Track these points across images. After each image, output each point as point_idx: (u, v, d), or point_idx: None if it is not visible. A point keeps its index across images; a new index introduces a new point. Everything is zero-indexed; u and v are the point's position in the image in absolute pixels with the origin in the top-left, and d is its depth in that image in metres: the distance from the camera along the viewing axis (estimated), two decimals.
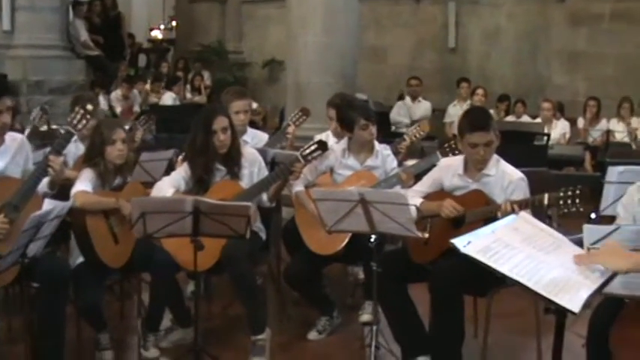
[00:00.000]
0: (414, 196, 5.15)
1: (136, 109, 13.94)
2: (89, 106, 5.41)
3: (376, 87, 15.10)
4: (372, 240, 4.95)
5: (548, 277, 2.81)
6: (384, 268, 5.04)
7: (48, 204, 4.97)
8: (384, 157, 6.08)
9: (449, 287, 4.80)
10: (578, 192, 4.57)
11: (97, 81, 14.47)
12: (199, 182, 5.54)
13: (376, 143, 6.08)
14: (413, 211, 4.73)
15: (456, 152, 5.69)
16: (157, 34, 21.55)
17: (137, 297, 5.91)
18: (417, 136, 6.81)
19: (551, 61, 15.11)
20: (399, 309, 5.23)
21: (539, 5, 15.15)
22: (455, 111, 13.00)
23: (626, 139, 12.04)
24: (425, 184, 5.35)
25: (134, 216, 4.72)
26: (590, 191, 4.65)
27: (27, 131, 7.82)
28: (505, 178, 5.06)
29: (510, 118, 12.89)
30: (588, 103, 12.56)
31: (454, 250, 3.03)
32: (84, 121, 5.33)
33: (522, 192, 4.99)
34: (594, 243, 3.50)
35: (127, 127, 6.98)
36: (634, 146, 11.67)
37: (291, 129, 7.22)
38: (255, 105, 13.21)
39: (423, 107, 13.39)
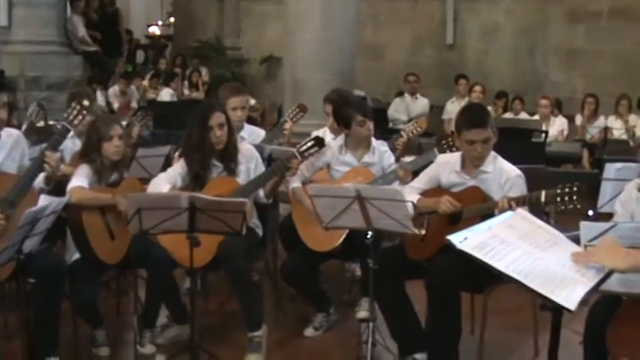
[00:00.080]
0: (411, 193, 5.14)
1: (134, 105, 13.94)
2: (85, 102, 5.39)
3: (374, 83, 15.08)
4: (368, 237, 4.95)
5: (545, 274, 2.80)
6: (381, 265, 5.03)
7: (44, 200, 4.95)
8: (380, 154, 6.07)
9: (446, 284, 4.80)
10: (575, 189, 4.56)
11: (95, 77, 14.48)
12: (196, 178, 5.53)
13: (373, 139, 6.07)
14: (409, 207, 4.73)
15: (454, 149, 5.68)
16: (154, 30, 21.52)
17: (133, 293, 5.89)
18: (415, 132, 6.81)
19: (549, 58, 15.11)
20: (396, 306, 5.23)
21: (538, 2, 15.14)
22: (453, 107, 12.99)
23: (624, 137, 12.04)
24: (422, 181, 5.34)
25: (130, 212, 4.70)
26: (587, 188, 4.64)
27: (24, 127, 7.80)
28: (502, 175, 5.06)
29: (508, 115, 12.87)
30: (586, 100, 12.57)
31: (451, 247, 3.02)
32: (80, 117, 5.33)
33: (519, 189, 4.99)
34: (591, 240, 3.49)
35: (124, 123, 6.97)
36: (632, 143, 11.67)
37: (288, 125, 7.21)
38: (252, 101, 13.20)
39: (420, 104, 13.41)
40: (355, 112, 5.89)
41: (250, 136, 6.75)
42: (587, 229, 3.67)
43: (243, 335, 5.47)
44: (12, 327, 5.62)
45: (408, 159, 6.46)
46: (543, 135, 10.55)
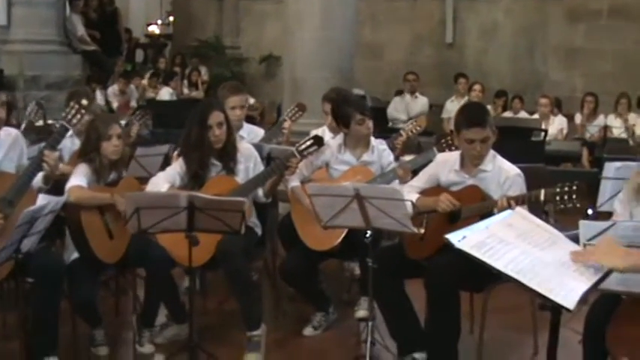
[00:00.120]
0: (410, 192, 5.14)
1: (133, 104, 13.93)
2: (84, 101, 5.39)
3: (373, 82, 15.07)
4: (367, 236, 4.94)
5: (544, 273, 2.79)
6: (380, 264, 5.02)
7: (42, 199, 4.94)
8: (379, 152, 6.06)
9: (445, 283, 4.79)
10: (574, 188, 4.56)
11: (94, 76, 14.47)
12: (194, 177, 5.53)
13: (372, 138, 6.06)
14: (408, 206, 4.73)
15: (453, 148, 5.68)
16: (154, 29, 21.54)
17: (132, 293, 5.89)
18: (414, 131, 6.80)
19: (549, 57, 15.10)
20: (395, 305, 5.22)
21: (537, 1, 15.13)
22: (452, 106, 12.96)
23: (624, 135, 12.03)
24: (421, 180, 5.33)
25: (128, 211, 4.69)
26: (586, 187, 4.63)
27: (22, 126, 7.79)
28: (502, 173, 5.05)
29: (508, 114, 12.86)
30: (586, 99, 12.56)
31: (450, 246, 3.02)
32: (79, 116, 5.33)
33: (519, 188, 4.98)
34: (590, 239, 3.49)
35: (123, 123, 6.96)
36: (631, 142, 11.66)
37: (287, 124, 7.21)
38: (252, 100, 13.20)
39: (420, 103, 13.41)
40: (354, 110, 5.88)
41: (249, 135, 6.75)
42: (587, 228, 3.67)
43: (242, 334, 5.46)
44: (10, 326, 5.62)
45: (407, 158, 6.45)
46: (543, 134, 10.55)
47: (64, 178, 5.43)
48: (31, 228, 4.56)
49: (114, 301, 6.33)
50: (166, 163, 6.30)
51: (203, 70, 16.42)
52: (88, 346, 5.45)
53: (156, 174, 5.73)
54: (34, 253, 4.83)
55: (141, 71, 16.25)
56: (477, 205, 4.89)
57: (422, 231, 4.97)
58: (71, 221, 5.24)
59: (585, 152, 11.66)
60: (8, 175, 5.09)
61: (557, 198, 4.58)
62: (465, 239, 2.86)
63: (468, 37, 15.76)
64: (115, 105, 13.94)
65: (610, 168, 6.20)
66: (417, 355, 5.18)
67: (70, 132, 5.92)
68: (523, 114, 12.68)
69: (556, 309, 2.89)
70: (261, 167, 5.75)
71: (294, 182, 5.92)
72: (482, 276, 4.13)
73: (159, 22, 21.97)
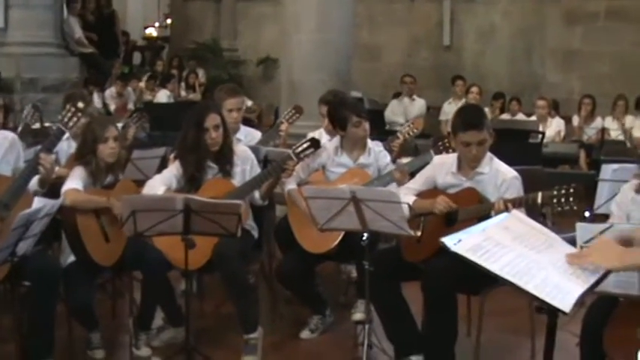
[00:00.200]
0: (407, 194, 5.13)
1: (130, 106, 13.91)
2: (80, 104, 5.38)
3: (371, 85, 15.09)
4: (364, 238, 4.93)
5: (540, 276, 2.78)
6: (377, 267, 5.02)
7: (38, 202, 4.93)
8: (376, 154, 6.04)
9: (442, 286, 4.79)
10: (572, 190, 4.56)
11: (91, 78, 14.44)
12: (191, 180, 5.52)
13: (368, 141, 6.05)
14: (405, 209, 4.71)
15: (450, 150, 5.66)
16: (151, 31, 21.54)
17: (129, 296, 5.87)
18: (411, 133, 6.78)
19: (546, 59, 15.11)
20: (392, 307, 5.21)
21: (534, 3, 15.14)
22: (450, 109, 12.96)
23: (621, 137, 12.04)
24: (418, 182, 5.32)
25: (124, 214, 4.69)
26: (584, 189, 4.63)
27: (19, 129, 7.78)
28: (499, 176, 5.04)
29: (505, 116, 12.88)
30: (583, 101, 12.55)
31: (446, 249, 3.01)
32: (75, 119, 5.32)
33: (516, 190, 4.97)
34: (587, 241, 3.48)
35: (120, 125, 6.96)
36: (629, 144, 11.66)
37: (284, 127, 7.21)
38: (249, 103, 13.22)
39: (418, 105, 13.42)
40: (351, 113, 5.87)
41: (246, 137, 6.74)
42: (583, 230, 3.67)
43: (239, 338, 5.45)
44: (6, 330, 5.59)
45: (404, 160, 6.43)
46: (540, 136, 10.55)
47: (61, 181, 5.42)
48: (26, 231, 4.56)
49: (110, 304, 6.32)
50: (163, 165, 6.28)
51: (200, 72, 16.42)
52: (84, 350, 5.44)
53: (152, 177, 5.72)
54: (30, 256, 4.84)
55: (138, 74, 16.24)
56: (474, 208, 4.89)
57: (419, 233, 4.97)
58: (67, 224, 5.23)
59: (583, 154, 11.66)
60: (4, 178, 5.08)
61: (555, 200, 4.58)
62: (461, 242, 2.85)
63: (465, 39, 15.76)
64: (112, 107, 13.93)
65: (607, 170, 6.20)
66: (414, 357, 5.17)
67: (67, 135, 5.90)
68: (521, 116, 12.69)
69: (552, 312, 2.87)
70: (257, 170, 5.75)
71: (290, 185, 5.91)
72: (479, 279, 4.10)
73: (156, 24, 21.97)
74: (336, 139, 6.09)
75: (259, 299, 5.82)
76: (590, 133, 12.24)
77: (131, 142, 7.33)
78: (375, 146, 6.08)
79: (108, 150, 5.42)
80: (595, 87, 13.61)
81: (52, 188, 5.33)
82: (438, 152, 5.81)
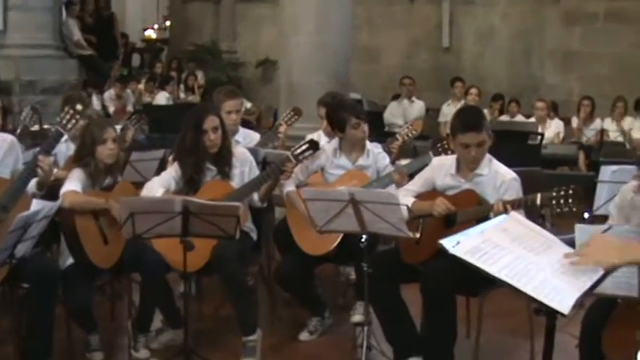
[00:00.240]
0: (406, 196, 5.13)
1: (129, 108, 13.89)
2: (79, 106, 5.37)
3: (370, 87, 15.07)
4: (362, 240, 4.93)
5: (538, 278, 2.78)
6: (376, 269, 5.01)
7: (36, 205, 4.94)
8: (375, 156, 6.04)
9: (441, 288, 4.78)
10: (571, 192, 4.55)
11: (90, 81, 14.43)
12: (190, 182, 5.51)
13: (367, 142, 6.05)
14: (404, 210, 4.71)
15: (449, 152, 5.65)
16: (150, 33, 21.56)
17: (127, 298, 5.86)
18: (409, 135, 6.78)
19: (545, 61, 15.09)
20: (391, 309, 5.21)
21: (533, 5, 15.12)
22: (449, 110, 12.94)
23: (620, 139, 12.03)
24: (417, 184, 5.31)
25: (123, 216, 4.69)
26: (583, 191, 4.62)
27: (18, 131, 7.77)
28: (498, 177, 5.04)
29: (504, 118, 12.87)
30: (582, 103, 12.53)
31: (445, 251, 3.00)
32: (73, 121, 5.32)
33: (515, 192, 4.97)
34: None
35: (119, 127, 6.95)
36: (628, 146, 11.66)
37: (282, 128, 7.20)
38: (248, 105, 13.22)
39: (417, 107, 13.41)
40: (349, 114, 5.87)
41: (245, 139, 6.75)
42: (582, 231, 3.66)
43: (238, 340, 5.45)
44: (4, 332, 5.59)
45: (403, 162, 6.43)
46: (539, 137, 10.53)
47: (59, 183, 5.42)
48: (24, 233, 4.56)
49: (109, 306, 6.31)
50: (162, 167, 6.28)
51: (199, 74, 16.41)
52: (83, 352, 5.43)
53: (151, 179, 5.72)
54: (29, 258, 4.84)
55: (137, 76, 16.22)
56: (473, 210, 4.88)
57: (417, 235, 4.97)
58: (66, 226, 5.23)
59: (582, 156, 11.64)
60: (3, 180, 5.08)
61: (554, 202, 4.57)
62: (459, 244, 2.85)
63: (464, 41, 15.75)
64: (111, 110, 13.91)
65: (606, 171, 6.19)
66: (413, 359, 5.15)
67: (65, 137, 5.90)
68: (520, 117, 12.68)
69: (551, 314, 2.87)
70: (256, 172, 5.74)
71: (289, 187, 5.90)
72: (478, 280, 4.11)
73: (155, 26, 21.98)
74: (335, 141, 6.08)
75: (258, 301, 5.82)
76: (589, 134, 12.23)
77: (130, 144, 7.33)
78: (373, 148, 6.08)
79: (106, 151, 5.42)
80: (594, 88, 13.60)
81: (50, 190, 5.33)
82: (437, 154, 5.80)
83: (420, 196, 5.19)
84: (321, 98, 7.13)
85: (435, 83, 15.19)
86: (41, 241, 4.98)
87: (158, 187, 5.44)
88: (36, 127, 8.05)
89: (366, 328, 5.16)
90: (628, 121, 12.26)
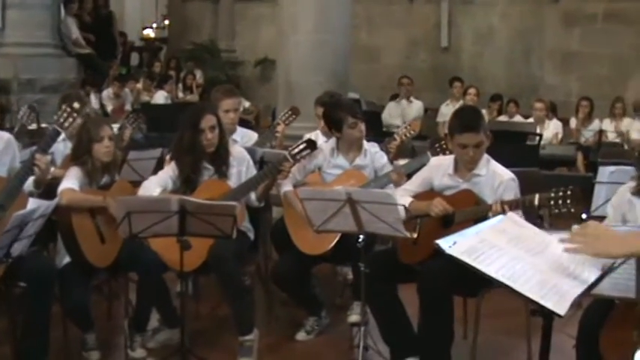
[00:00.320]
0: (404, 195, 5.13)
1: (128, 107, 13.88)
2: (76, 105, 5.36)
3: (369, 86, 15.05)
4: (360, 240, 4.92)
5: (535, 278, 2.77)
6: (373, 269, 5.00)
7: (32, 203, 4.92)
8: (372, 155, 6.03)
9: (438, 288, 4.77)
10: (569, 192, 4.55)
11: (88, 79, 14.40)
12: (187, 181, 5.51)
13: (364, 142, 6.04)
14: (401, 210, 4.70)
15: (447, 152, 5.64)
16: (149, 32, 21.56)
17: (124, 297, 5.85)
18: (408, 135, 6.78)
19: (544, 61, 15.10)
20: (388, 309, 5.20)
21: (533, 5, 15.13)
22: (448, 110, 12.92)
23: (619, 140, 12.03)
24: (414, 184, 5.31)
25: (119, 215, 4.67)
26: (581, 192, 4.62)
27: (15, 129, 7.76)
28: (495, 178, 5.03)
29: (503, 118, 12.86)
30: (581, 104, 12.53)
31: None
32: (70, 120, 5.30)
33: (513, 192, 4.97)
34: None
35: (117, 126, 6.94)
36: (626, 146, 11.65)
37: (280, 128, 7.20)
38: (247, 104, 13.21)
39: (415, 107, 13.41)
40: (346, 114, 5.85)
41: (243, 138, 6.74)
42: None
43: (234, 339, 5.45)
44: (1, 331, 5.58)
45: (401, 162, 6.42)
46: (538, 138, 10.52)
47: (56, 181, 5.40)
48: (21, 232, 4.53)
49: (106, 306, 6.31)
50: (159, 166, 6.27)
51: (198, 73, 16.40)
52: (79, 351, 5.42)
53: (148, 178, 5.71)
54: (26, 257, 4.82)
55: (136, 75, 16.21)
56: (471, 210, 4.88)
57: (415, 235, 4.96)
58: (62, 224, 5.22)
59: (580, 156, 11.63)
60: (0, 178, 5.06)
61: (552, 203, 4.57)
62: (456, 245, 2.84)
63: (463, 41, 15.76)
64: (109, 108, 13.89)
65: (604, 172, 6.18)
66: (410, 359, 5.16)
67: (63, 135, 5.90)
68: (518, 118, 12.68)
69: (548, 314, 2.86)
70: (253, 171, 5.74)
71: (286, 186, 5.89)
72: (475, 281, 4.09)
73: (154, 25, 21.98)
74: (332, 141, 6.07)
75: (255, 301, 5.81)
76: (588, 135, 12.23)
77: (127, 143, 7.31)
78: (370, 147, 6.07)
79: (103, 149, 5.41)
80: (593, 89, 13.61)
81: (47, 189, 5.32)
82: (435, 154, 5.80)
83: (417, 196, 5.18)
84: (319, 98, 7.13)
85: (434, 83, 15.20)
86: (38, 240, 4.96)
87: (155, 186, 5.43)
88: (34, 126, 8.03)
89: (362, 328, 5.16)
90: (626, 122, 12.26)
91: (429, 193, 5.16)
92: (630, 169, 5.39)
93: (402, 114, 13.21)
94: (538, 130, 11.15)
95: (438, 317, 4.85)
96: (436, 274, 4.67)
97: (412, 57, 16.05)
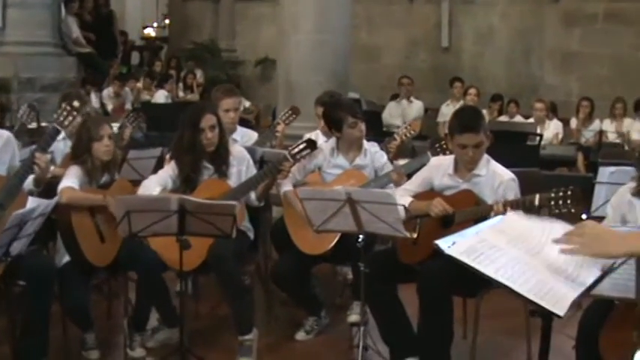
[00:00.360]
0: (404, 195, 5.12)
1: (128, 106, 13.88)
2: (76, 103, 5.37)
3: (369, 86, 15.04)
4: (359, 240, 4.92)
5: (535, 279, 2.76)
6: (372, 269, 5.00)
7: (32, 202, 4.92)
8: (372, 155, 6.02)
9: (437, 288, 4.77)
10: (569, 193, 4.54)
11: (89, 78, 14.41)
12: (186, 181, 5.50)
13: (364, 142, 6.03)
14: (401, 210, 4.70)
15: (447, 152, 5.64)
16: (149, 31, 21.55)
17: (124, 296, 5.85)
18: (408, 135, 6.78)
19: (545, 61, 15.09)
20: (387, 309, 5.20)
21: (533, 5, 15.12)
22: (448, 110, 12.91)
23: (619, 140, 12.02)
24: (414, 183, 5.31)
25: (119, 214, 4.67)
26: (581, 192, 4.62)
27: (15, 128, 7.76)
28: (495, 178, 5.03)
29: (503, 118, 12.86)
30: (581, 104, 12.52)
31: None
32: (70, 118, 5.32)
33: (513, 192, 4.96)
34: None
35: (117, 125, 6.94)
36: (626, 147, 11.64)
37: (280, 127, 7.19)
38: (247, 103, 13.20)
39: (415, 107, 13.40)
40: (346, 114, 5.85)
41: (243, 138, 6.73)
42: None
43: (234, 339, 5.44)
44: (0, 330, 5.58)
45: (401, 162, 6.42)
46: (538, 138, 10.52)
47: (56, 180, 5.40)
48: (20, 231, 4.53)
49: (106, 305, 6.30)
50: (159, 166, 6.26)
51: (198, 72, 16.39)
52: (78, 350, 5.42)
53: (148, 177, 5.70)
54: (25, 256, 4.82)
55: (136, 74, 16.20)
56: (471, 210, 4.87)
57: (414, 235, 4.95)
58: (62, 223, 5.22)
59: (580, 157, 11.62)
60: None
61: (552, 203, 4.56)
62: (455, 245, 2.83)
63: (463, 41, 15.75)
64: (109, 107, 13.89)
65: (604, 173, 6.17)
66: None
67: (63, 134, 5.90)
68: (518, 118, 12.67)
69: (547, 315, 2.86)
70: (253, 170, 5.73)
71: (286, 186, 5.88)
72: (475, 281, 4.07)
73: (155, 24, 21.98)
74: (332, 141, 6.07)
75: (255, 300, 5.81)
76: (588, 135, 12.22)
77: (128, 142, 7.31)
78: (370, 147, 6.06)
79: (103, 148, 5.41)
80: (593, 89, 13.60)
81: (47, 188, 5.32)
82: (436, 154, 5.80)
83: (417, 196, 5.18)
84: (319, 97, 7.12)
85: (434, 83, 15.19)
86: (37, 239, 4.96)
87: (155, 185, 5.43)
88: (33, 125, 8.03)
89: (362, 328, 5.15)
90: (627, 123, 12.26)
91: (429, 193, 5.16)
92: (630, 170, 5.38)
93: (402, 114, 13.20)
94: (538, 131, 11.15)
95: (438, 317, 4.84)
96: (436, 275, 4.67)
97: (412, 57, 16.04)
